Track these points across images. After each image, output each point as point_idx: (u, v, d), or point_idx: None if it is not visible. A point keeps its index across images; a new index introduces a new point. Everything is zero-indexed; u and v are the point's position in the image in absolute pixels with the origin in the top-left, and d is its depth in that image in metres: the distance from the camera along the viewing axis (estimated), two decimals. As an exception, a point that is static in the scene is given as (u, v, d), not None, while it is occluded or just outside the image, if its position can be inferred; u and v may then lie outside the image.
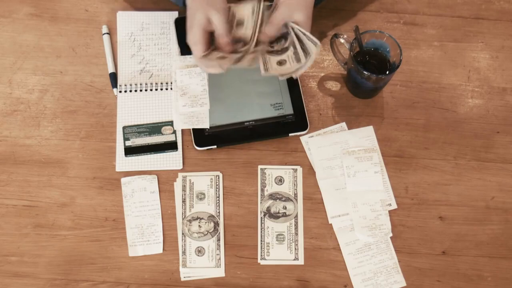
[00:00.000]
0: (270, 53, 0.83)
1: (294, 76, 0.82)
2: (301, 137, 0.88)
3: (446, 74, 0.93)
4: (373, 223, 0.83)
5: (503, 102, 0.92)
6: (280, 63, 0.82)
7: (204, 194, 0.85)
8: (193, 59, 0.87)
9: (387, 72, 0.86)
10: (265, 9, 0.80)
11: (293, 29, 0.80)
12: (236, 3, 0.81)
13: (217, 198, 0.84)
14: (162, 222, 0.83)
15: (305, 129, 0.88)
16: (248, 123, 0.88)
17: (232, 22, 0.80)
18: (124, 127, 0.87)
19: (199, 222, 0.83)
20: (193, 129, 0.87)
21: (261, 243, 0.83)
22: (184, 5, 0.85)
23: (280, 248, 0.83)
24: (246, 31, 0.80)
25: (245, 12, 0.80)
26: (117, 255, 0.82)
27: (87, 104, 0.89)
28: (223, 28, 0.78)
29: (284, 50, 0.83)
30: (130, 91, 0.90)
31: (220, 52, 0.79)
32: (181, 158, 0.86)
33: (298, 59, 0.80)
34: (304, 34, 0.79)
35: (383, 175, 0.86)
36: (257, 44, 0.80)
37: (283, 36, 0.83)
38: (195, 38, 0.79)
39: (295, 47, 0.80)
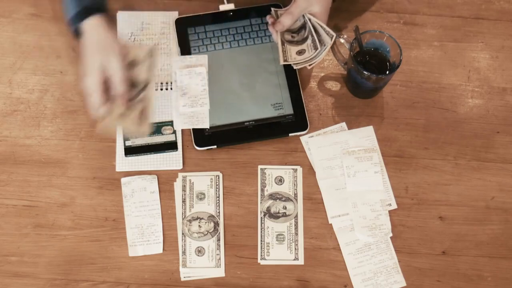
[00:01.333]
0: (291, 43, 0.86)
1: (308, 66, 0.84)
2: (301, 137, 0.88)
3: (446, 74, 0.93)
4: (373, 223, 0.83)
5: (503, 102, 0.92)
6: (300, 52, 0.85)
7: (204, 194, 0.85)
8: (92, 113, 0.77)
9: (387, 72, 0.86)
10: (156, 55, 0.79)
11: (310, 20, 0.84)
12: (133, 44, 0.80)
13: (217, 198, 0.84)
14: (162, 222, 0.83)
15: (305, 129, 0.88)
16: (248, 123, 0.88)
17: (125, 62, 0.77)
18: (124, 127, 0.87)
19: (199, 222, 0.83)
20: (193, 129, 0.87)
21: (261, 243, 0.83)
22: (76, 34, 0.78)
23: (280, 248, 0.83)
24: (140, 74, 0.78)
25: (141, 54, 0.78)
26: (117, 255, 0.81)
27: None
28: (120, 76, 0.74)
29: (304, 40, 0.86)
30: (130, 91, 0.90)
31: (118, 105, 0.75)
32: (181, 158, 0.86)
33: (316, 48, 0.84)
34: (321, 26, 0.83)
35: (383, 175, 0.86)
36: (144, 87, 0.78)
37: (303, 27, 0.86)
38: (91, 87, 0.74)
39: (313, 37, 0.84)
